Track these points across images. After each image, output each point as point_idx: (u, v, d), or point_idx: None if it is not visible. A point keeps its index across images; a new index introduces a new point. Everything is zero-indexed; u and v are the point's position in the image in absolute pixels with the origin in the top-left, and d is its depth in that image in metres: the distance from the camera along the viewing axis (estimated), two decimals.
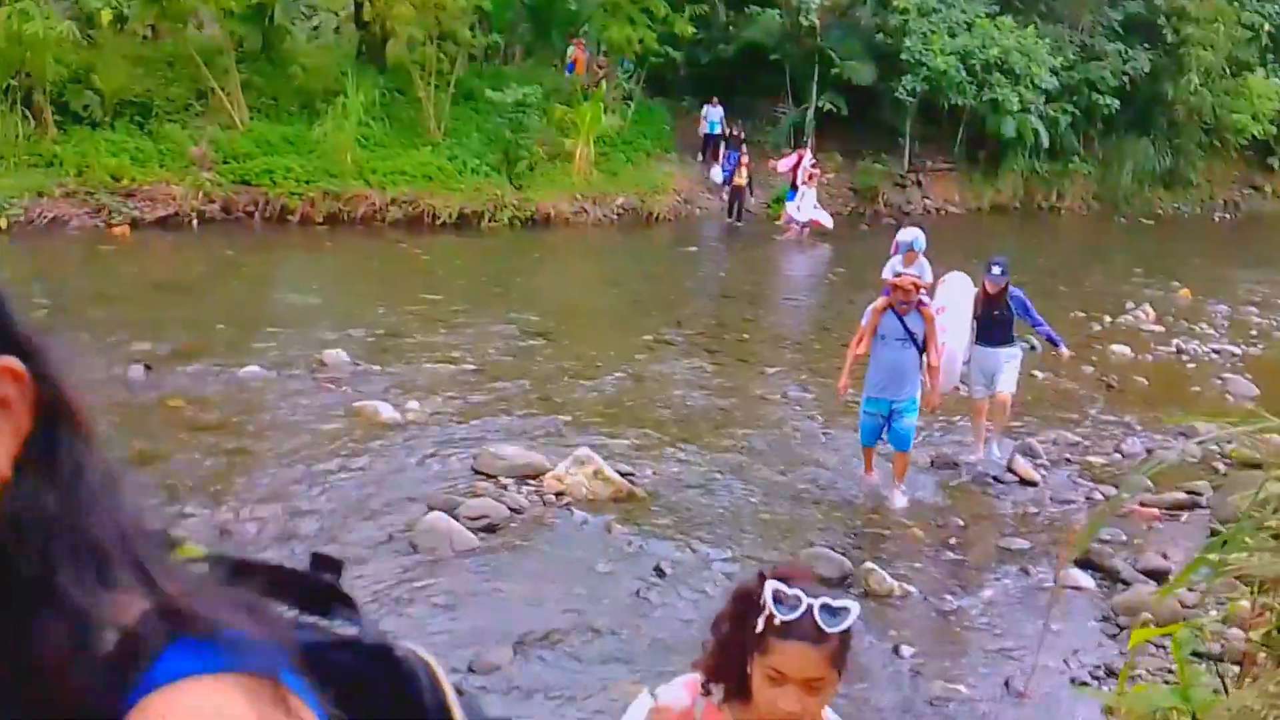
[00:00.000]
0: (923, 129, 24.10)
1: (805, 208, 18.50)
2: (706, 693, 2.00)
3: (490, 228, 16.83)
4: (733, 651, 1.94)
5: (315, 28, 20.97)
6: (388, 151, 16.97)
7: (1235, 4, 24.83)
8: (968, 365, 7.94)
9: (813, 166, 19.97)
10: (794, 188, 19.66)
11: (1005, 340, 7.91)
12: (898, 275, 7.15)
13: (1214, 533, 6.52)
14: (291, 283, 12.50)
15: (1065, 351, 8.26)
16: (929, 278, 7.96)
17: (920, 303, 6.86)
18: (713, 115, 21.46)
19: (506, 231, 16.90)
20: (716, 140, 21.29)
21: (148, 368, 8.82)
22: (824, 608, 1.84)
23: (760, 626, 1.86)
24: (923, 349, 6.86)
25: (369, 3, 16.94)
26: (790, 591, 1.86)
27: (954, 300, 7.78)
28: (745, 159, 19.97)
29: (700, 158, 21.42)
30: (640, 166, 20.20)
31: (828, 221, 18.87)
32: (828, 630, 1.83)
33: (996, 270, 7.72)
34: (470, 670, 4.97)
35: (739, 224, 19.73)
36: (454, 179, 17.03)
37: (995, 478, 7.81)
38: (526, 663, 5.10)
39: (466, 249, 15.59)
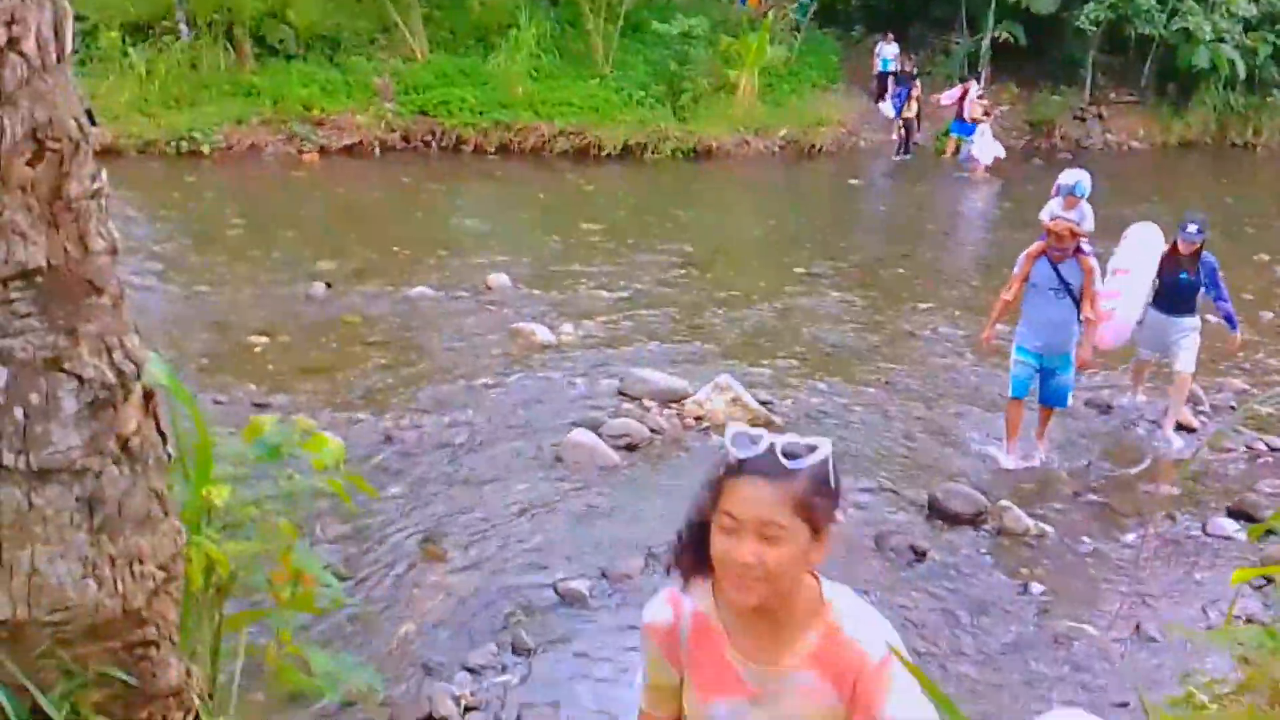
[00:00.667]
0: (1106, 60, 22.68)
1: (984, 144, 17.79)
2: (684, 589, 1.83)
3: (653, 159, 17.04)
4: (695, 531, 1.75)
5: None
6: (557, 83, 17.35)
7: None
8: (1140, 326, 7.27)
9: (979, 98, 19.19)
10: (961, 119, 18.97)
11: (1187, 309, 7.13)
12: (1054, 219, 6.58)
13: None
14: (463, 209, 13.08)
15: (1238, 336, 7.44)
16: (1090, 225, 7.26)
17: (1079, 249, 6.30)
18: (886, 52, 20.84)
19: (669, 163, 17.06)
20: (888, 77, 20.64)
21: (329, 285, 9.53)
22: (787, 444, 1.65)
23: (719, 473, 1.69)
24: (1079, 301, 6.35)
25: None
26: (753, 431, 1.69)
27: (1137, 259, 7.07)
28: (916, 92, 19.37)
29: (874, 98, 20.79)
30: (805, 98, 19.90)
31: (1000, 152, 18.11)
32: (788, 466, 1.63)
33: (1193, 229, 6.95)
34: (604, 576, 5.31)
35: (905, 158, 19.22)
36: (619, 110, 17.27)
37: (1153, 420, 7.55)
38: (657, 574, 5.39)
39: (629, 180, 15.86)
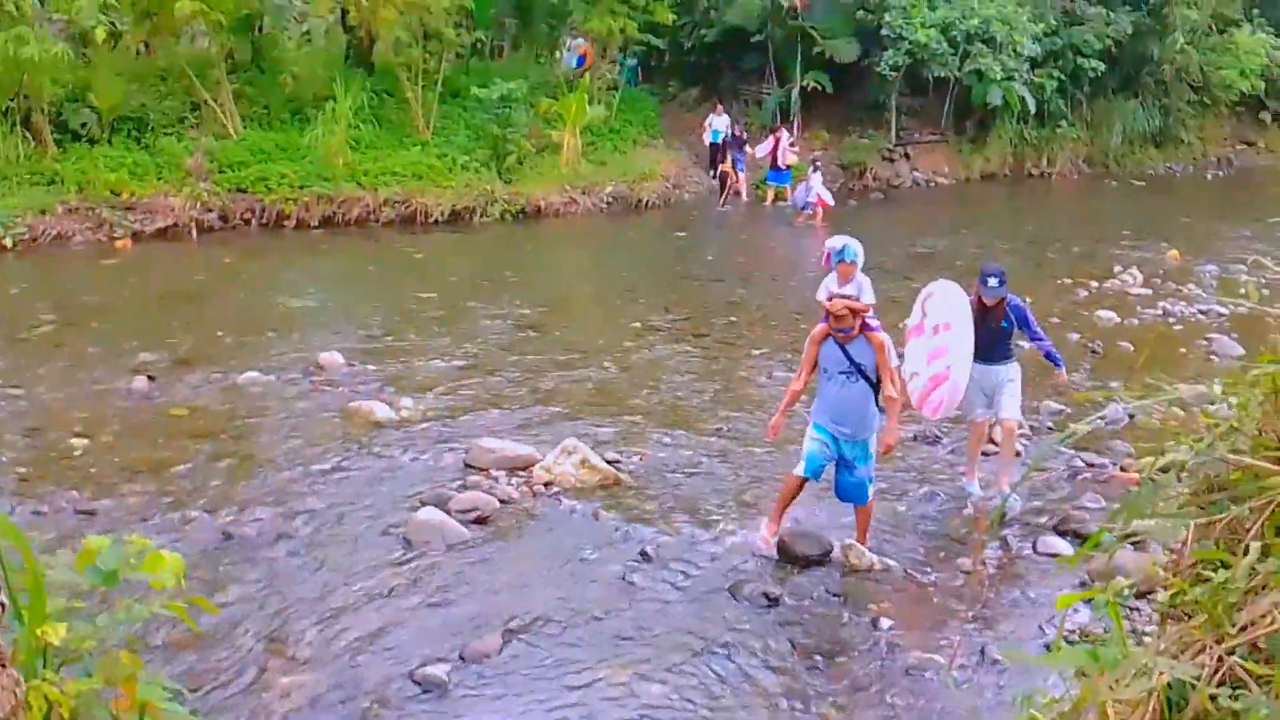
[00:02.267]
0: (909, 102, 24.15)
1: (815, 187, 18.54)
2: None
3: (482, 223, 17.01)
4: None
5: (305, 33, 21.10)
6: (378, 152, 17.15)
7: None
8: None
9: (790, 146, 20.11)
10: (775, 168, 19.78)
11: (1005, 356, 6.99)
12: (831, 298, 6.01)
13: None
14: (289, 287, 12.69)
15: (1063, 372, 7.36)
16: (870, 296, 6.49)
17: (865, 325, 5.83)
18: (717, 124, 21.19)
19: (498, 225, 17.06)
20: (719, 148, 20.99)
21: (151, 378, 9.08)
22: None
23: None
24: (875, 382, 5.88)
25: (354, 7, 17.05)
26: None
27: (953, 316, 6.70)
28: (750, 151, 20.16)
29: (709, 167, 21.13)
30: (628, 154, 20.33)
31: (828, 199, 18.87)
32: None
33: (993, 282, 6.79)
34: (461, 659, 5.17)
35: (727, 208, 19.83)
36: (444, 176, 17.19)
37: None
38: (516, 649, 5.30)
39: (459, 245, 15.76)
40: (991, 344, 6.82)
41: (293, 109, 17.42)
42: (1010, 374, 6.98)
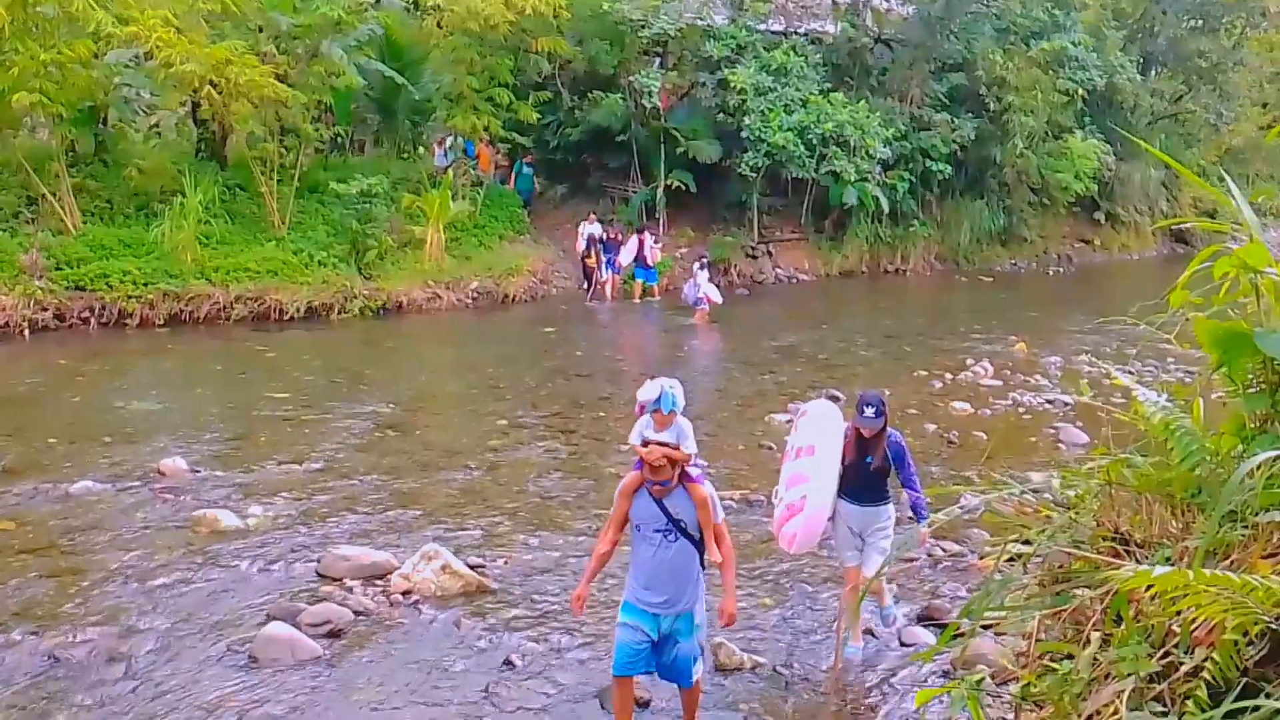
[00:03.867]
0: (770, 201, 25.00)
1: (702, 284, 18.70)
2: None
3: (340, 319, 16.60)
4: None
5: (154, 126, 20.54)
6: (230, 248, 16.63)
7: (1051, 73, 26.72)
8: (832, 522, 6.24)
9: (655, 244, 20.52)
10: (643, 265, 20.11)
11: (879, 496, 6.16)
12: (645, 444, 4.97)
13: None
14: (130, 389, 12.01)
15: (925, 531, 6.07)
16: (692, 444, 5.08)
17: (685, 475, 4.98)
18: (591, 230, 20.79)
19: (358, 322, 16.68)
20: (587, 252, 20.82)
21: None
22: None
23: None
24: (699, 542, 5.00)
25: (207, 100, 16.71)
26: None
27: (819, 440, 6.10)
28: (620, 255, 20.37)
29: (584, 280, 20.94)
30: (494, 249, 20.31)
31: (716, 297, 18.95)
32: None
33: (870, 411, 5.99)
34: None
35: (594, 303, 19.96)
36: (300, 272, 16.77)
37: None
38: None
39: (316, 343, 15.31)
40: (865, 481, 6.10)
41: (139, 203, 16.79)
42: (885, 517, 6.15)
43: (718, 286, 19.58)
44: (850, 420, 6.14)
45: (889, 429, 6.12)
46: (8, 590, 6.69)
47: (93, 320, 14.90)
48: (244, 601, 6.66)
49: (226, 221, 17.12)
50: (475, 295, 18.85)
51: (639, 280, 20.37)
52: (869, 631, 6.54)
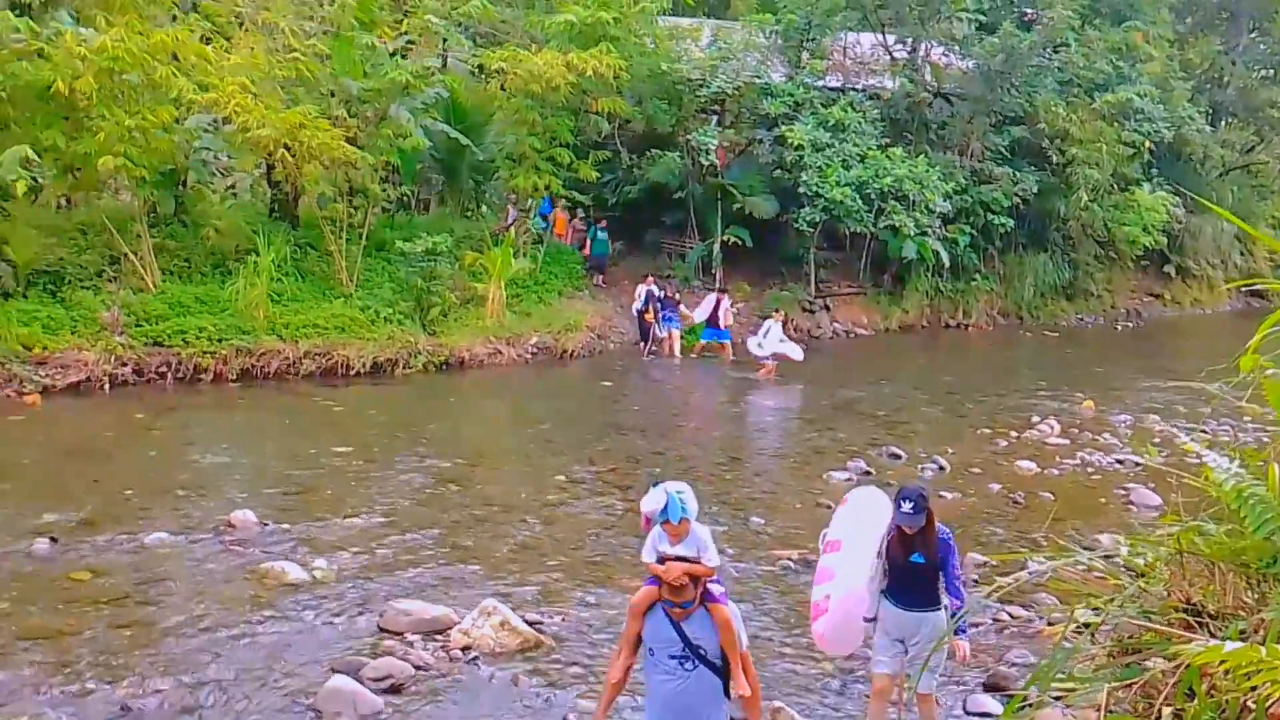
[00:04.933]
0: (827, 255, 25.00)
1: (770, 344, 18.51)
2: None
3: (404, 375, 16.90)
4: None
5: (231, 187, 21.22)
6: (300, 305, 17.05)
7: (1115, 125, 26.46)
8: (872, 623, 5.70)
9: (731, 308, 20.39)
10: (714, 326, 19.96)
11: (928, 601, 5.55)
12: (662, 560, 4.42)
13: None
14: (203, 443, 12.34)
15: (965, 645, 5.58)
16: (714, 556, 4.49)
17: (708, 595, 4.41)
18: (649, 290, 20.55)
19: (421, 377, 16.97)
20: (645, 309, 20.58)
21: (53, 539, 8.68)
22: None
23: None
24: (722, 670, 4.42)
25: (280, 163, 17.26)
26: None
27: (854, 528, 5.70)
28: (679, 319, 20.44)
29: (641, 338, 20.67)
30: (553, 305, 20.54)
31: (796, 355, 18.72)
32: None
33: (908, 507, 5.39)
34: None
35: (650, 357, 20.01)
36: (367, 328, 17.12)
37: None
38: None
39: (380, 397, 15.59)
40: (909, 582, 5.53)
41: (214, 262, 17.33)
42: (932, 625, 5.53)
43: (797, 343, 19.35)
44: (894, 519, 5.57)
45: (940, 526, 5.55)
46: (83, 639, 6.91)
47: (169, 375, 15.35)
48: (307, 654, 6.80)
49: (297, 279, 17.58)
50: (535, 350, 19.06)
51: (704, 340, 20.18)
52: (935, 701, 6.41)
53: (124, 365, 15.05)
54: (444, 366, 17.49)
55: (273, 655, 6.78)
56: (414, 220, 21.25)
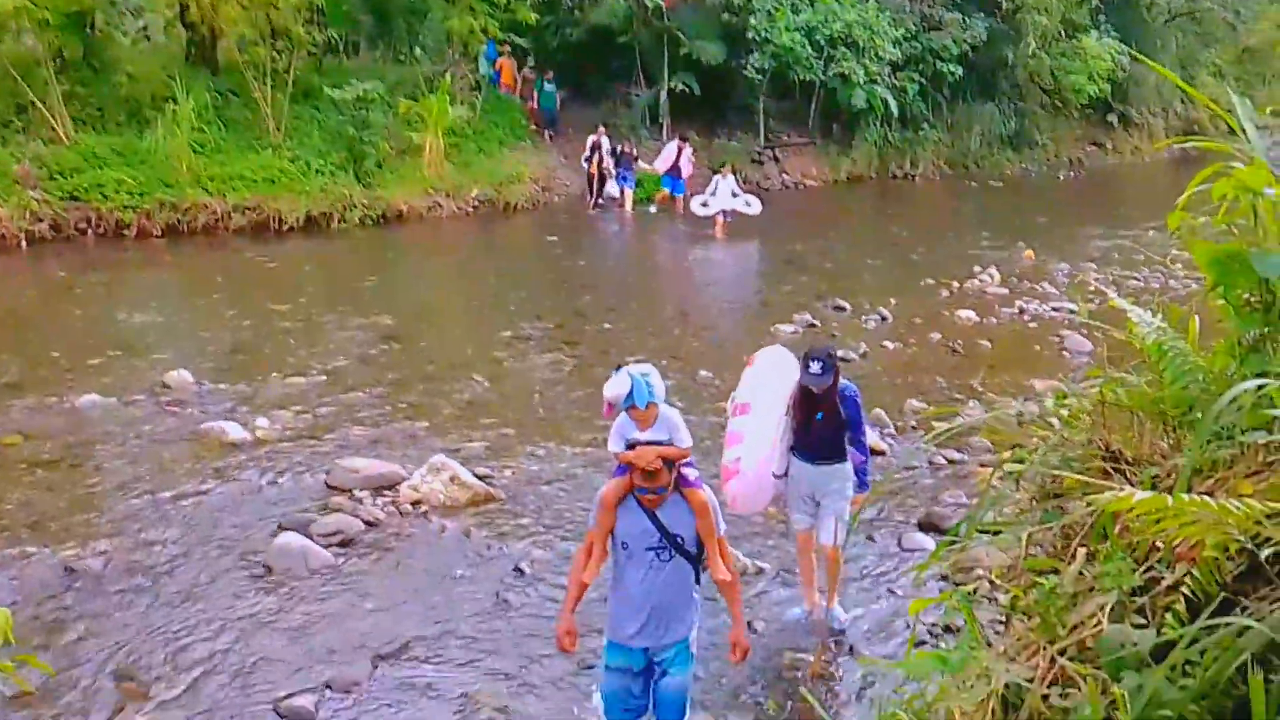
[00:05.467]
0: (776, 105, 24.62)
1: (720, 201, 17.83)
2: None
3: (340, 229, 16.51)
4: None
5: (143, 28, 20.10)
6: (225, 157, 16.42)
7: None
8: (782, 479, 5.70)
9: (691, 159, 19.76)
10: (674, 175, 19.42)
11: (833, 454, 5.56)
12: (632, 445, 4.10)
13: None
14: (131, 302, 12.03)
15: (864, 496, 5.75)
16: (686, 437, 4.22)
17: (682, 480, 4.15)
18: (599, 140, 20.07)
19: (358, 231, 16.61)
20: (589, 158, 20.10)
21: None
22: None
23: None
24: (697, 559, 4.19)
25: (194, 3, 16.31)
26: None
27: (760, 391, 5.65)
28: (636, 167, 19.90)
29: (591, 194, 20.12)
30: (495, 157, 20.08)
31: (750, 209, 17.94)
32: None
33: (815, 367, 5.37)
34: (329, 688, 4.99)
35: (596, 210, 19.74)
36: (298, 181, 16.60)
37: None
38: (386, 676, 5.14)
39: (316, 253, 15.27)
40: (816, 438, 5.57)
41: (129, 110, 16.50)
42: (839, 477, 5.59)
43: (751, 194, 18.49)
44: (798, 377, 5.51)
45: (844, 382, 5.56)
46: (20, 504, 6.81)
47: (90, 231, 14.84)
48: (255, 513, 6.79)
49: (220, 129, 16.89)
50: (476, 204, 18.72)
51: (665, 190, 19.66)
52: (870, 539, 6.67)
53: (40, 221, 14.52)
54: (381, 220, 17.13)
55: (219, 515, 6.74)
56: (343, 66, 20.45)
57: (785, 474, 5.67)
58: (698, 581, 4.24)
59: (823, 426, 5.53)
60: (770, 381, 5.67)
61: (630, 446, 4.09)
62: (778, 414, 5.55)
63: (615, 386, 4.12)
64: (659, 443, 4.09)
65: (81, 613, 5.59)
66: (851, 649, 5.49)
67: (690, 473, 4.20)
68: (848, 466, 5.60)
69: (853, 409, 5.55)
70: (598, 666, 4.53)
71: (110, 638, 5.36)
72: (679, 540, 4.12)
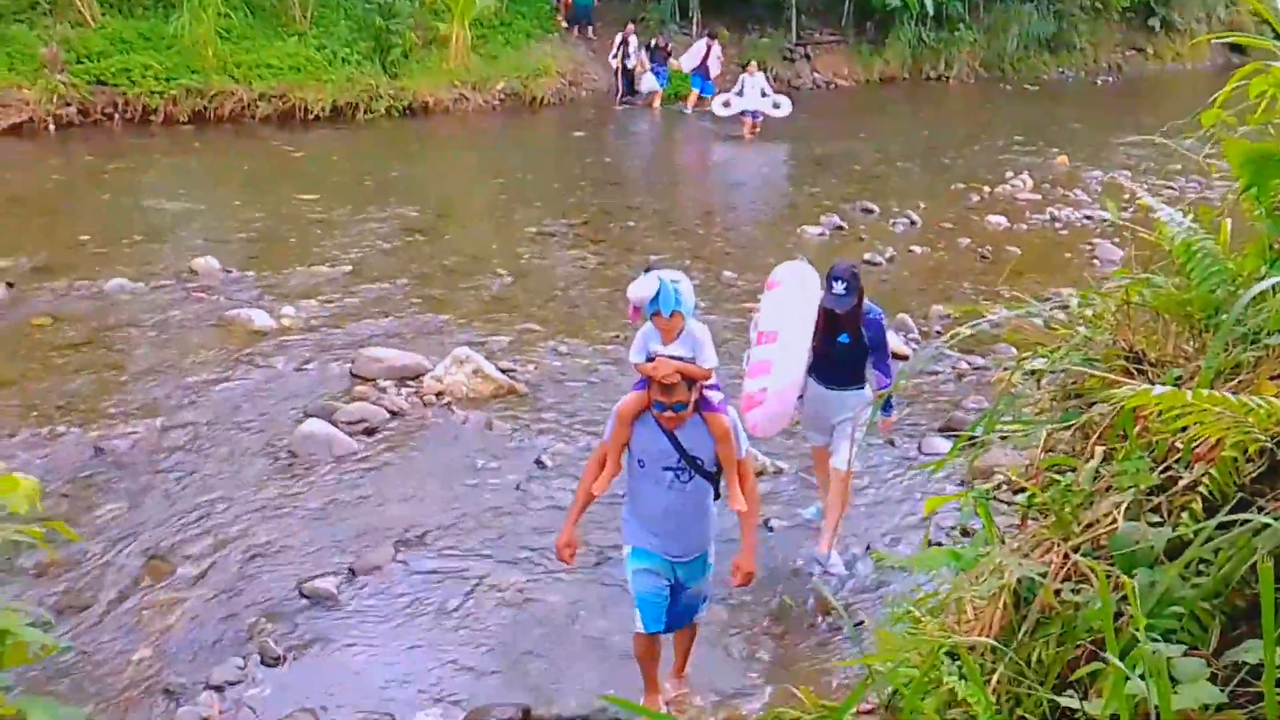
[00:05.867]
0: (809, 1, 23.91)
1: (747, 101, 17.17)
2: None
3: (366, 120, 16.35)
4: None
5: None
6: (252, 44, 16.20)
7: None
8: (801, 401, 5.48)
9: (719, 57, 19.17)
10: (703, 74, 18.95)
11: (851, 380, 5.36)
12: (652, 358, 3.91)
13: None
14: (158, 188, 12.02)
15: (893, 418, 5.84)
16: (711, 355, 3.93)
17: (703, 401, 3.93)
18: (631, 41, 19.61)
19: (384, 122, 16.44)
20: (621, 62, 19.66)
21: (9, 285, 8.53)
22: None
23: None
24: (715, 479, 4.01)
25: None
26: None
27: (788, 316, 5.27)
28: (674, 62, 19.35)
29: (618, 92, 19.69)
30: (521, 49, 19.67)
31: (779, 111, 17.24)
32: None
33: (840, 288, 5.19)
34: (351, 572, 5.12)
35: (623, 106, 19.38)
36: (324, 70, 16.39)
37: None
38: (408, 561, 5.27)
39: (341, 143, 15.14)
40: (836, 362, 5.37)
41: None
42: (855, 403, 5.37)
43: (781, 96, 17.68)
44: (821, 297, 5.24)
45: (868, 304, 5.34)
46: (50, 386, 6.91)
47: (117, 117, 14.76)
48: (280, 399, 6.88)
49: (246, 15, 16.62)
50: (502, 97, 18.43)
51: (695, 90, 19.16)
52: (891, 444, 6.67)
53: (68, 105, 14.45)
54: (407, 112, 16.93)
55: (245, 400, 6.84)
56: None
57: (801, 396, 5.42)
58: (717, 498, 4.08)
59: (845, 350, 5.31)
60: (796, 306, 5.27)
61: (651, 360, 3.90)
62: (805, 342, 5.21)
63: (641, 288, 3.86)
64: (681, 359, 3.87)
65: (109, 492, 5.72)
66: (868, 547, 5.55)
67: (714, 395, 3.99)
68: (867, 392, 5.39)
69: (877, 332, 5.33)
70: (616, 562, 4.49)
71: (137, 516, 5.49)
72: (698, 461, 3.95)
